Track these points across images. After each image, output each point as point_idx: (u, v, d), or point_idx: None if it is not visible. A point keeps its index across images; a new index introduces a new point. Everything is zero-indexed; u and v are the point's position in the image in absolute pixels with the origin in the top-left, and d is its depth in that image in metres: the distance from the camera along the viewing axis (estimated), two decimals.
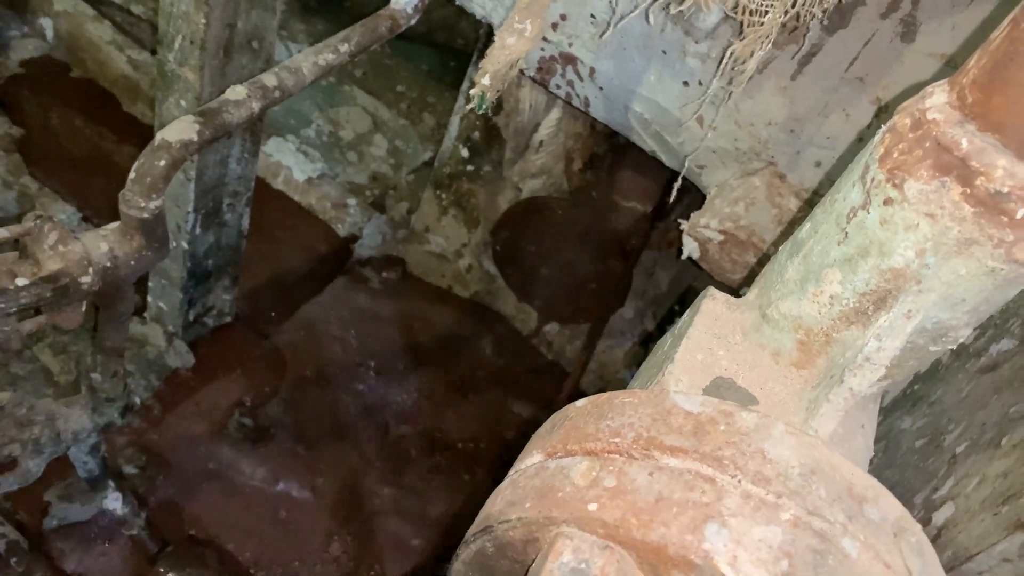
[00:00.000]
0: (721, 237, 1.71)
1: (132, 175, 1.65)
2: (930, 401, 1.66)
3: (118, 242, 1.67)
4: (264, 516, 2.60)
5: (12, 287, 1.50)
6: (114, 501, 2.27)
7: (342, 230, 3.63)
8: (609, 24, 1.72)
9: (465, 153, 3.19)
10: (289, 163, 3.73)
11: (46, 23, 3.92)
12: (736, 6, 1.39)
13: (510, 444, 3.16)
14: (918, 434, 1.63)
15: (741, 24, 1.45)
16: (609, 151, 2.64)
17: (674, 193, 1.80)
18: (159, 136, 1.67)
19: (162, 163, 1.65)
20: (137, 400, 2.25)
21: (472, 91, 1.55)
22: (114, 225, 1.69)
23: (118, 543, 2.30)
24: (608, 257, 2.64)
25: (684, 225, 1.78)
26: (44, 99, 3.69)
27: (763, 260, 1.73)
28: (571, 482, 0.70)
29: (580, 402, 0.80)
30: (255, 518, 2.58)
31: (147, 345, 2.69)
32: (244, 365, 2.88)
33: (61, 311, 1.63)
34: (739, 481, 0.67)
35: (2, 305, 1.49)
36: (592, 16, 1.77)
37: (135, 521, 2.30)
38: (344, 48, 2.06)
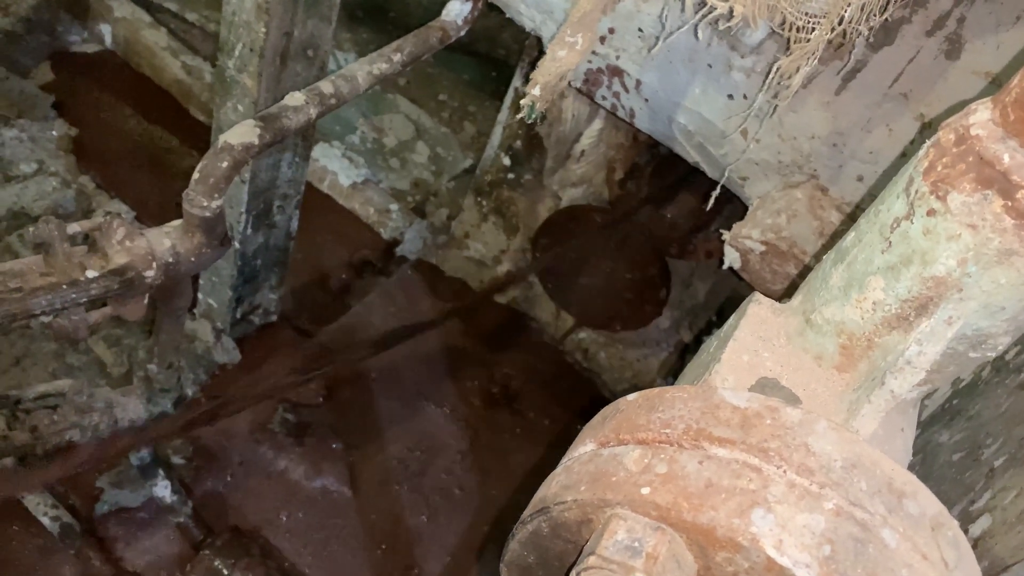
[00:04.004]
0: (762, 248, 1.74)
1: (196, 175, 1.73)
2: (968, 416, 1.67)
3: (180, 239, 1.75)
4: (303, 510, 2.66)
5: (83, 279, 1.59)
6: (163, 489, 2.35)
7: (385, 234, 3.71)
8: (657, 39, 1.77)
9: (507, 161, 3.25)
10: (335, 168, 3.82)
11: (105, 29, 4.07)
12: (783, 23, 1.43)
13: (542, 448, 3.20)
14: (955, 448, 1.65)
15: (787, 40, 1.49)
16: (651, 161, 2.69)
17: (711, 202, 1.84)
18: (222, 139, 1.75)
19: (224, 165, 1.73)
20: (189, 392, 2.33)
21: (523, 101, 1.60)
22: (177, 223, 1.77)
23: (165, 530, 2.38)
24: (646, 266, 2.68)
25: (726, 235, 1.81)
26: (97, 99, 3.81)
27: (804, 272, 1.76)
28: (624, 468, 0.74)
29: (631, 396, 0.84)
30: (295, 511, 2.65)
31: (196, 340, 2.78)
32: (288, 363, 2.96)
33: (125, 303, 1.71)
34: (784, 471, 0.71)
35: (74, 295, 1.57)
36: (640, 30, 1.82)
37: (182, 509, 2.38)
38: (397, 58, 2.14)
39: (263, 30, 2.13)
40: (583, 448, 0.82)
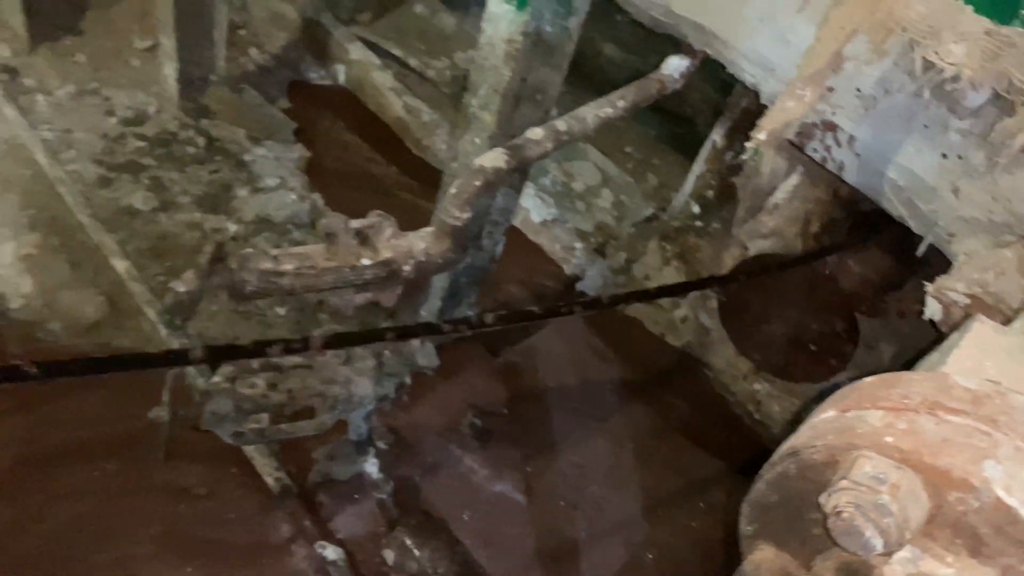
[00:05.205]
0: (967, 301, 1.82)
1: (452, 191, 2.03)
2: None
3: (432, 243, 2.05)
4: (483, 510, 2.90)
5: (359, 265, 1.91)
6: (372, 466, 2.66)
7: (568, 270, 3.97)
8: (874, 98, 1.92)
9: (696, 209, 3.42)
10: (528, 205, 4.14)
11: (340, 68, 4.65)
12: (1009, 87, 1.55)
13: (693, 486, 3.27)
14: None
15: (1011, 104, 1.60)
16: (849, 216, 2.78)
17: (923, 248, 1.92)
18: (477, 162, 2.05)
19: (477, 183, 2.02)
20: (408, 380, 2.63)
21: (748, 144, 1.79)
22: (430, 228, 2.07)
23: (367, 503, 2.68)
24: (834, 320, 2.75)
25: (929, 288, 1.89)
26: (328, 127, 4.36)
27: None
28: (868, 424, 0.90)
29: (867, 378, 1.00)
30: (475, 510, 2.88)
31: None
32: (478, 374, 3.25)
33: (384, 291, 2.03)
34: (1011, 438, 0.85)
35: (351, 277, 1.90)
36: (858, 90, 1.97)
37: (385, 487, 2.67)
38: (620, 104, 2.39)
39: (508, 74, 2.45)
40: (824, 415, 0.98)
